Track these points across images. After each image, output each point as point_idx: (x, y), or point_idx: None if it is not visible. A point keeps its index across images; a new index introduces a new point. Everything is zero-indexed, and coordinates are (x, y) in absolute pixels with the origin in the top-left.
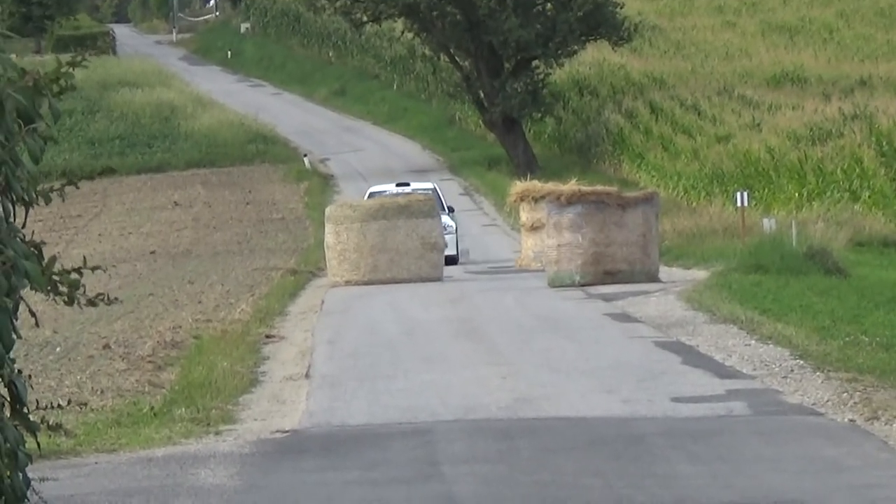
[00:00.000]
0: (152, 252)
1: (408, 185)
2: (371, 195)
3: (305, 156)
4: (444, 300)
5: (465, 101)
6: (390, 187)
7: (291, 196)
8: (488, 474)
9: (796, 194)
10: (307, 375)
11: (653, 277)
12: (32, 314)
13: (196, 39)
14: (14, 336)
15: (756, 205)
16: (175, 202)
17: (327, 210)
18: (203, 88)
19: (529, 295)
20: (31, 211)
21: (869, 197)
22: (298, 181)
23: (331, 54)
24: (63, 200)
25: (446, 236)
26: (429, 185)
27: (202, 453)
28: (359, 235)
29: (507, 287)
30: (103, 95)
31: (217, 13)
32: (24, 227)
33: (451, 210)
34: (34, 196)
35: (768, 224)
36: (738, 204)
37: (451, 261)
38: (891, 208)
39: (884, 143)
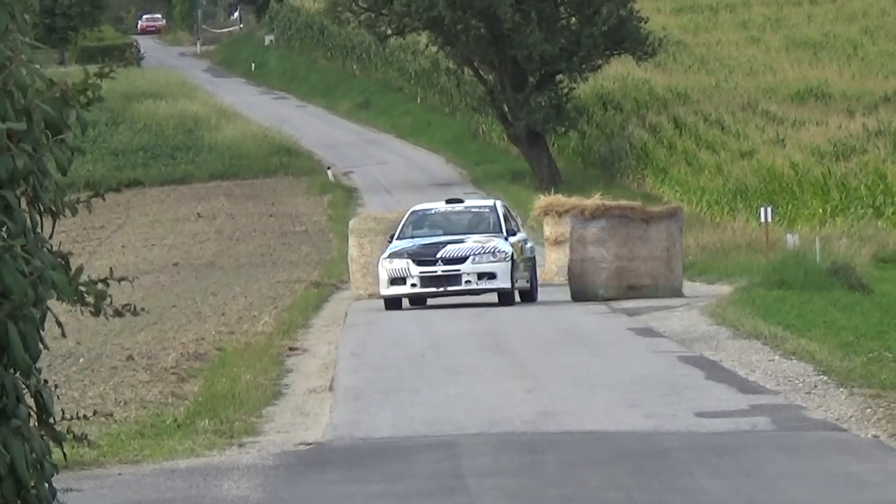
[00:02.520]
0: (175, 264)
1: (460, 201)
2: (414, 214)
3: (329, 168)
4: (468, 313)
5: (488, 115)
6: (438, 205)
7: (315, 208)
8: (512, 488)
9: (820, 210)
10: (331, 388)
11: (676, 292)
12: (59, 324)
13: (220, 51)
14: (41, 346)
15: (780, 220)
16: (198, 214)
17: (351, 223)
18: (227, 100)
19: (553, 309)
20: (56, 223)
21: (893, 213)
22: (322, 194)
23: (355, 67)
24: (90, 212)
25: (494, 263)
26: (489, 203)
27: (225, 465)
28: (382, 248)
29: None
30: (127, 107)
31: (241, 25)
32: (51, 237)
33: (512, 233)
34: (61, 207)
35: (792, 240)
36: (762, 219)
37: (504, 297)
38: None
39: None
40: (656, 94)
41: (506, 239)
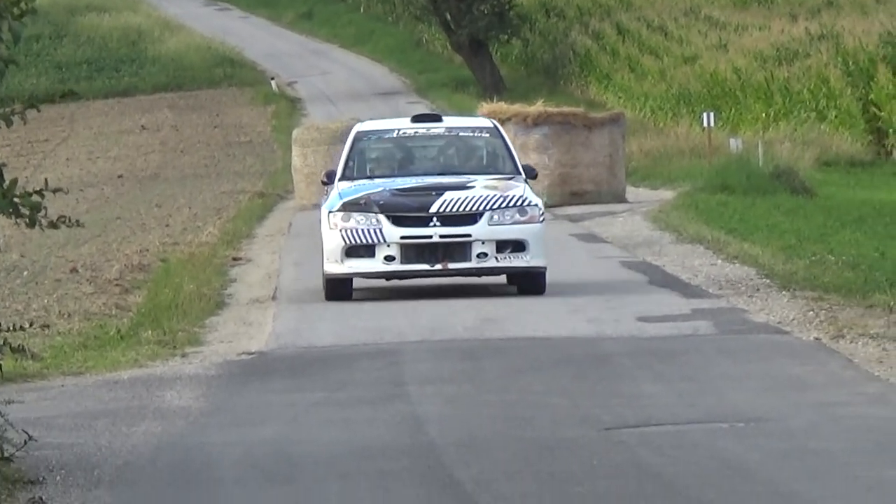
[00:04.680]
0: (120, 176)
1: (438, 118)
2: (365, 139)
3: (272, 79)
4: None
5: (431, 24)
6: (400, 124)
7: (259, 119)
8: (454, 394)
9: (763, 115)
10: (274, 297)
11: (619, 198)
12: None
13: None
14: None
15: (723, 125)
16: (143, 126)
17: (294, 133)
18: (170, 12)
19: None
20: None
21: (835, 117)
22: (266, 104)
23: None
24: (24, 123)
25: (523, 225)
26: (485, 123)
27: (168, 375)
28: (326, 158)
29: None
30: (70, 20)
31: None
32: None
33: (529, 172)
34: None
35: (735, 144)
36: (705, 125)
37: (532, 285)
38: (857, 128)
39: (850, 63)
40: (599, 1)
41: (525, 182)
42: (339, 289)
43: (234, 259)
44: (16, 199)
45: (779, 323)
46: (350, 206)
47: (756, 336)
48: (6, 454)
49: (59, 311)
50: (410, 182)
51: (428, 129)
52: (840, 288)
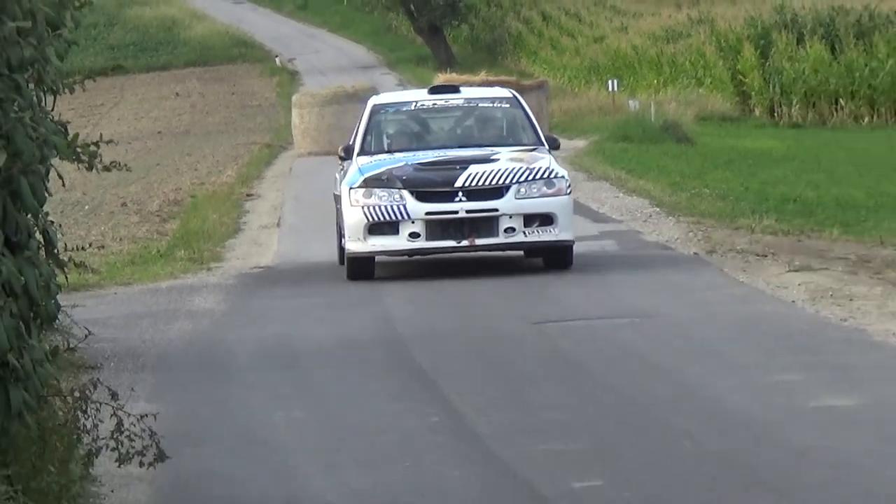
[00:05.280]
0: (159, 132)
1: (455, 90)
2: (382, 112)
3: (276, 57)
4: None
5: (399, 13)
6: (416, 95)
7: (266, 88)
8: (418, 298)
9: (655, 81)
10: (278, 224)
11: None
12: (60, 177)
13: None
14: (46, 194)
15: (624, 90)
16: (176, 93)
17: (294, 97)
18: (197, 5)
19: None
20: (58, 99)
21: (710, 83)
22: (271, 76)
23: None
24: (84, 91)
25: (551, 198)
26: (505, 94)
27: (197, 285)
28: (318, 117)
29: None
30: (120, 12)
31: None
32: (52, 110)
33: (552, 143)
34: (60, 87)
35: (633, 105)
36: (610, 89)
37: (559, 259)
38: (727, 91)
39: (721, 42)
40: None
41: (549, 153)
42: (362, 268)
43: (248, 195)
44: (77, 149)
45: (666, 241)
46: (372, 182)
47: (649, 252)
48: (71, 345)
49: (112, 236)
50: (432, 156)
51: (446, 100)
52: (714, 214)
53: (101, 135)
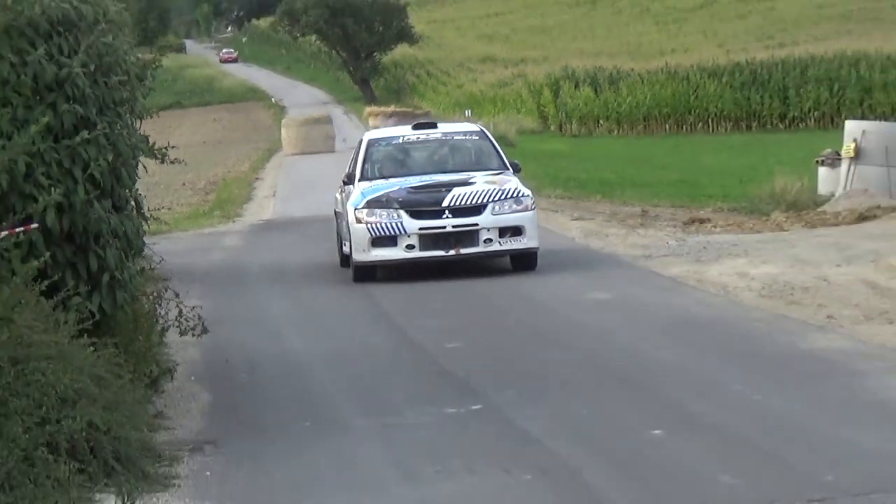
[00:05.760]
0: (203, 142)
1: (433, 126)
2: (375, 145)
3: (273, 98)
4: (340, 161)
5: (345, 71)
6: (403, 131)
7: (267, 116)
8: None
9: (492, 110)
10: (274, 195)
11: None
12: (144, 167)
13: (221, 46)
14: (136, 177)
15: (474, 115)
16: (214, 119)
17: (283, 121)
18: (225, 68)
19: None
20: (143, 122)
21: (524, 111)
22: (269, 109)
23: (284, 51)
24: (158, 118)
25: (520, 213)
26: (472, 127)
27: (226, 231)
28: (296, 132)
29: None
30: (180, 71)
31: (232, 32)
32: (139, 128)
33: (515, 167)
34: (144, 114)
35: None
36: (467, 115)
37: (527, 263)
38: (534, 116)
39: (531, 87)
40: (419, 60)
41: (514, 175)
42: (366, 274)
43: (256, 178)
44: (154, 151)
45: None
46: (373, 203)
47: None
48: (151, 266)
49: (176, 202)
50: (420, 180)
51: (427, 134)
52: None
53: (168, 143)
